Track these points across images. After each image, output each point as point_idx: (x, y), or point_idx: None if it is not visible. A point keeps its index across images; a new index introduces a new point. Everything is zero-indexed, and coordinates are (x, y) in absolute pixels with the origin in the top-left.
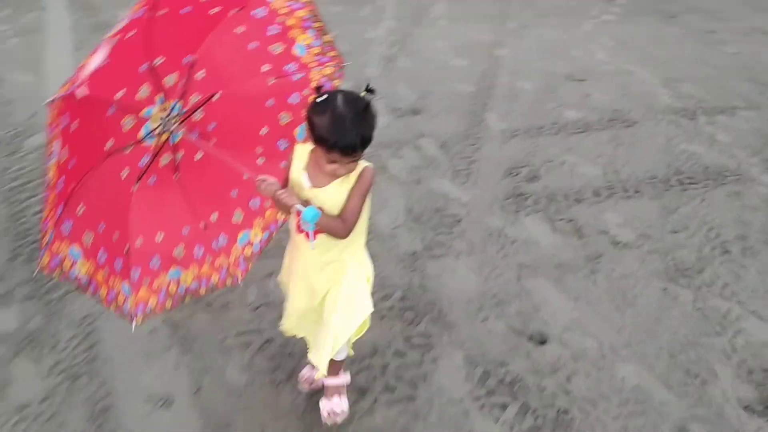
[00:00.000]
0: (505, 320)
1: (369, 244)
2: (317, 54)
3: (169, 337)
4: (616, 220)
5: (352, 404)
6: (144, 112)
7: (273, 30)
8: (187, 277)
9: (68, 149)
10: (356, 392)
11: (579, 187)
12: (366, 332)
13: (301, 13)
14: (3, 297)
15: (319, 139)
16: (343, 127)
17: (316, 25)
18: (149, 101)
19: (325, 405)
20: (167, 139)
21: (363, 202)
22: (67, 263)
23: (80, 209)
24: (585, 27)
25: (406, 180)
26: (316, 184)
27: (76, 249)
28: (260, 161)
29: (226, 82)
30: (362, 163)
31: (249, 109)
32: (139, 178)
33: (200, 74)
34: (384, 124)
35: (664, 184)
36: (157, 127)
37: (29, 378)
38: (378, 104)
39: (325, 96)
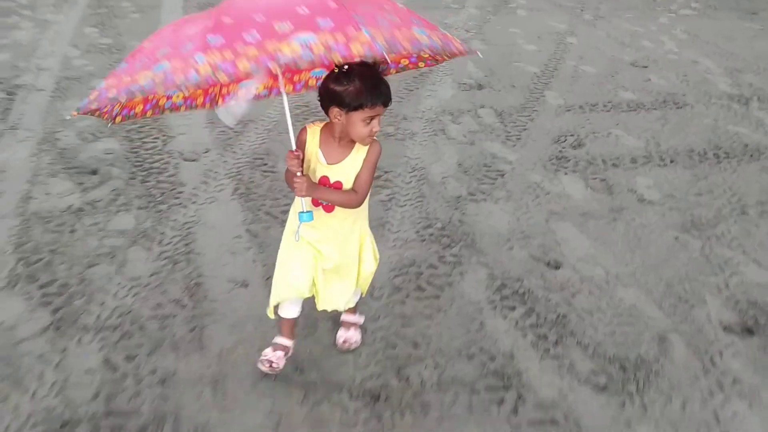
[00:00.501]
0: (528, 250)
1: (420, 187)
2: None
3: (249, 242)
4: (647, 182)
5: (387, 296)
6: None
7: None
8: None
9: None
10: (392, 288)
11: (619, 155)
12: (407, 251)
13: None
14: (124, 206)
15: (356, 103)
16: (377, 82)
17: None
18: None
19: (342, 334)
20: None
21: (373, 174)
22: (162, 101)
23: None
24: (661, 20)
25: (461, 141)
26: (331, 161)
27: (163, 63)
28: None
29: None
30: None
31: None
32: None
33: None
34: (449, 96)
35: (701, 156)
36: None
37: (141, 260)
38: (446, 79)
39: (345, 67)
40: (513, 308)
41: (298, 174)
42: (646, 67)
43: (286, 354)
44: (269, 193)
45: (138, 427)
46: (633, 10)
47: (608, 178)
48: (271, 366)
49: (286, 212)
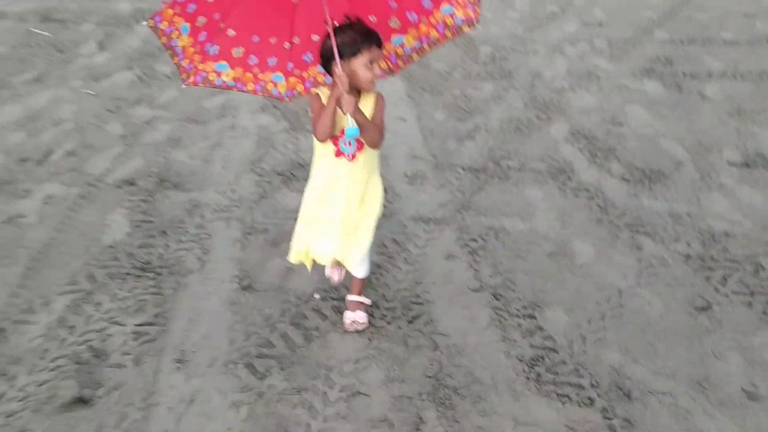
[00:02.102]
0: (602, 116)
1: (534, 82)
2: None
3: None
4: (713, 89)
5: (473, 180)
6: None
7: None
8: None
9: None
10: (471, 173)
11: (699, 71)
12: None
13: None
14: None
15: (355, 48)
16: (365, 29)
17: None
18: None
19: (349, 316)
20: None
21: (383, 121)
22: (212, 76)
23: (230, 32)
24: None
25: (573, 57)
26: (345, 112)
27: (222, 63)
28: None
29: None
30: (375, 91)
31: None
32: None
33: None
34: (573, 30)
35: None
36: None
37: None
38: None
39: (335, 23)
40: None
41: (346, 95)
42: (754, 16)
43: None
44: None
45: None
46: None
47: (683, 84)
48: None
49: None
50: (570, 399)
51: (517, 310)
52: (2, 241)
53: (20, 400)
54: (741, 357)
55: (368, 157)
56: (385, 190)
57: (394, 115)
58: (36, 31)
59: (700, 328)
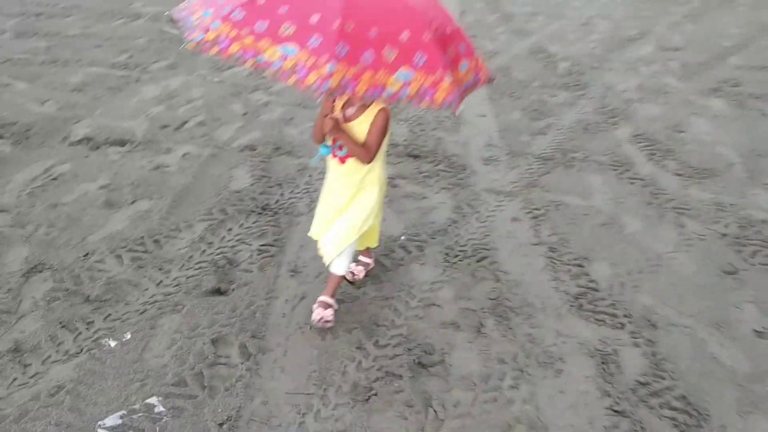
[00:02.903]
0: (659, 108)
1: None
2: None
3: None
4: None
5: (541, 165)
6: None
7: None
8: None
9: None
10: (540, 160)
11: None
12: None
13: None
14: None
15: None
16: None
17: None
18: None
19: (319, 313)
20: None
21: (382, 136)
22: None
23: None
24: None
25: (645, 74)
26: (347, 118)
27: (290, 46)
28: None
29: None
30: (380, 105)
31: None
32: None
33: None
34: (649, 52)
35: None
36: None
37: None
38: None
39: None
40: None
41: (330, 115)
42: None
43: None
44: None
45: None
46: None
47: (747, 103)
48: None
49: None
50: (605, 322)
51: (569, 261)
52: (152, 181)
53: (174, 286)
54: (757, 308)
55: (359, 163)
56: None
57: (476, 112)
58: (167, 30)
59: (725, 286)
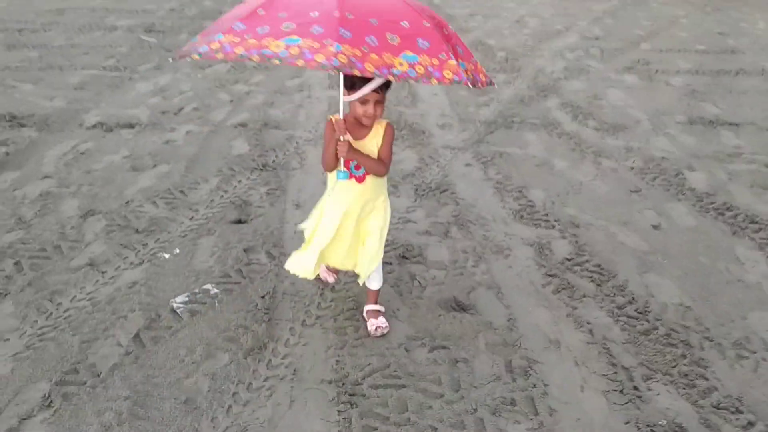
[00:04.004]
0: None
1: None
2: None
3: None
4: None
5: (487, 128)
6: None
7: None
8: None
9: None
10: (485, 125)
11: (673, 69)
12: None
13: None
14: None
15: (349, 83)
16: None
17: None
18: None
19: (373, 323)
20: None
21: (392, 150)
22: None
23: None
24: None
25: (570, 59)
26: (356, 138)
27: (294, 37)
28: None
29: None
30: (385, 121)
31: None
32: None
33: None
34: (573, 42)
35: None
36: None
37: None
38: (574, 34)
39: None
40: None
41: (342, 138)
42: (727, 34)
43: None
44: None
45: None
46: None
47: (654, 77)
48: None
49: None
50: (540, 225)
51: (512, 189)
52: (166, 151)
53: (204, 219)
54: (654, 213)
55: (377, 179)
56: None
57: (429, 92)
58: (145, 38)
59: (631, 200)
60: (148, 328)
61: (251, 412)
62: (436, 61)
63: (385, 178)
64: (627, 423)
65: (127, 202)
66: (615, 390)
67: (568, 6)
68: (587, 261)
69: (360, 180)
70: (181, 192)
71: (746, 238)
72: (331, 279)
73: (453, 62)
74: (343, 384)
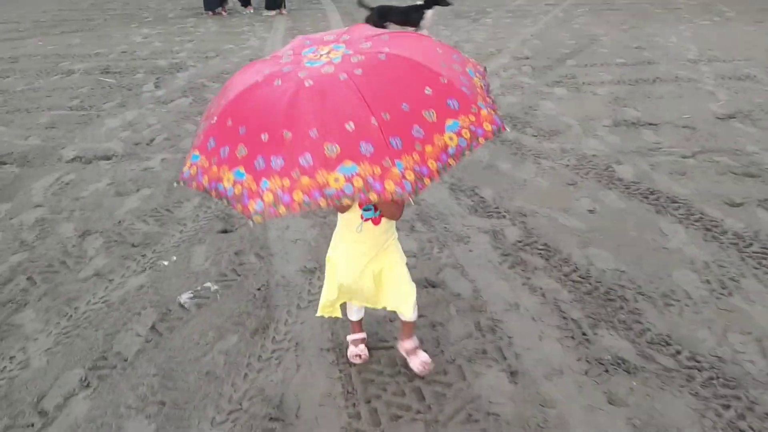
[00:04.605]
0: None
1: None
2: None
3: None
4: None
5: None
6: (304, 51)
7: (457, 58)
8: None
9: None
10: None
11: (599, 80)
12: None
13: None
14: None
15: None
16: None
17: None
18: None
19: (416, 361)
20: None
21: None
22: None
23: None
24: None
25: (505, 78)
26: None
27: (241, 170)
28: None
29: (401, 48)
30: None
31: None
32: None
33: (384, 37)
34: (506, 62)
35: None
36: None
37: None
38: (507, 54)
39: None
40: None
41: None
42: (643, 48)
43: (365, 342)
44: None
45: None
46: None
47: (581, 88)
48: (361, 357)
49: None
50: (492, 216)
51: (465, 189)
52: (146, 177)
53: (193, 231)
54: (589, 200)
55: (389, 220)
56: None
57: None
58: (103, 79)
59: (569, 191)
60: (162, 320)
61: (265, 376)
62: (378, 170)
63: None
64: (578, 360)
65: (119, 221)
66: (567, 336)
67: (498, 31)
68: (535, 242)
69: (376, 222)
70: (167, 210)
71: (668, 215)
72: (359, 360)
73: (397, 172)
74: (340, 350)
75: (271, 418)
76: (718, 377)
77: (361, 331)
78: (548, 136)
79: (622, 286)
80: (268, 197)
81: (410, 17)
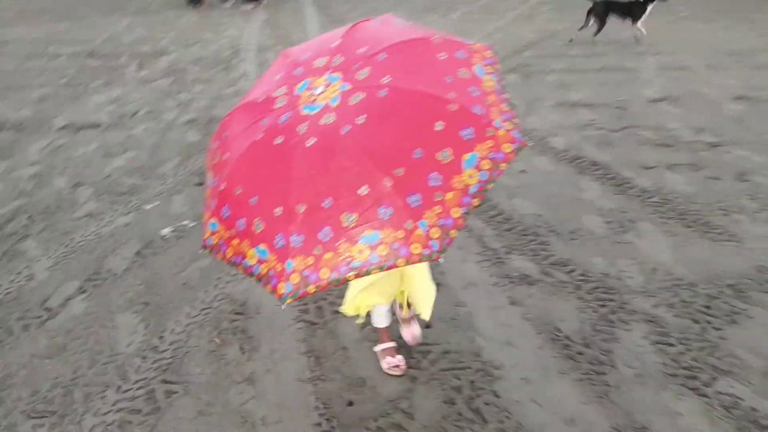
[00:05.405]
0: None
1: None
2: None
3: None
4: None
5: None
6: (298, 87)
7: (462, 55)
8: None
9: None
10: None
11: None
12: None
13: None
14: None
15: None
16: None
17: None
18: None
19: (408, 331)
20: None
21: None
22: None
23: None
24: None
25: None
26: None
27: (262, 247)
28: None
29: (402, 73)
30: None
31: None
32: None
33: (381, 56)
34: None
35: None
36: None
37: None
38: None
39: None
40: None
41: None
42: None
43: (397, 350)
44: None
45: None
46: None
47: (533, 76)
48: (400, 367)
49: None
50: None
51: None
52: (130, 142)
53: (173, 184)
54: (523, 163)
55: None
56: None
57: None
58: (90, 62)
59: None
60: (146, 248)
61: (233, 286)
62: (401, 234)
63: None
64: (491, 276)
65: (107, 176)
66: (485, 260)
67: (465, 27)
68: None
69: None
70: (150, 168)
71: (588, 175)
72: (398, 371)
73: (421, 232)
74: None
75: (236, 313)
76: (601, 287)
77: (390, 339)
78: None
79: (537, 226)
80: (295, 279)
81: (633, 11)
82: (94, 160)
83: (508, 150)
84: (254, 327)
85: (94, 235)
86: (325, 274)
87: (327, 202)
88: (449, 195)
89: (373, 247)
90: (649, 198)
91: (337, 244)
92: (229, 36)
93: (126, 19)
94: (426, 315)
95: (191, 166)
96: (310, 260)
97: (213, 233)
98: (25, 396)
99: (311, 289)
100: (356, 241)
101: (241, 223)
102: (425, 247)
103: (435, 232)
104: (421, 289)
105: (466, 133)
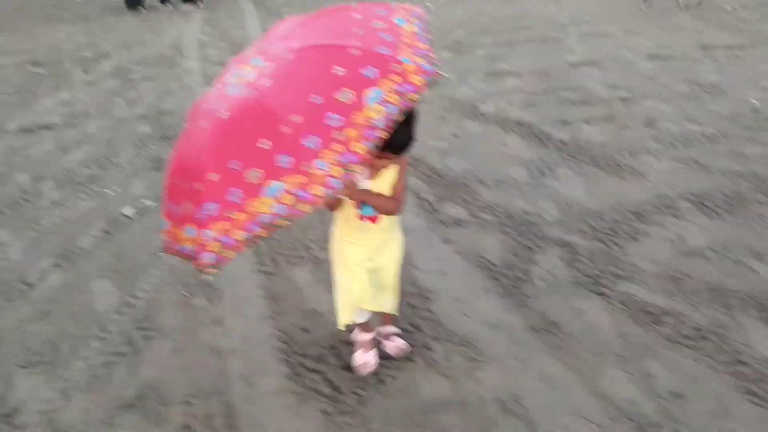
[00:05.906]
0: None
1: None
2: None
3: None
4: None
5: None
6: (229, 77)
7: (381, 12)
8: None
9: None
10: None
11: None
12: None
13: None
14: None
15: None
16: (394, 130)
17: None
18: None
19: (392, 345)
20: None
21: (406, 184)
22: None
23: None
24: None
25: None
26: (370, 176)
27: (189, 226)
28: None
29: (312, 39)
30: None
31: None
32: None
33: (298, 30)
34: None
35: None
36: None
37: None
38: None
39: None
40: None
41: (358, 187)
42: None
43: (373, 345)
44: None
45: None
46: None
47: (465, 51)
48: (367, 366)
49: None
50: None
51: None
52: (86, 138)
53: (131, 170)
54: (455, 128)
55: (390, 218)
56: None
57: None
58: (35, 70)
59: (439, 123)
60: (112, 226)
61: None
62: (303, 179)
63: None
64: (426, 222)
65: (67, 169)
66: (421, 210)
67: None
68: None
69: (374, 220)
70: (107, 159)
71: (513, 133)
72: (368, 368)
73: (320, 173)
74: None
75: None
76: (522, 224)
77: (370, 330)
78: (429, 85)
79: (467, 177)
80: (215, 246)
81: None
82: (52, 156)
83: (419, 81)
84: (218, 280)
85: (62, 219)
86: (238, 235)
87: (234, 164)
88: (350, 131)
89: (278, 198)
90: (567, 147)
91: (246, 203)
92: (170, 35)
93: (65, 26)
94: (394, 312)
95: (145, 154)
96: (227, 225)
97: (164, 232)
98: (19, 352)
99: (230, 253)
100: (262, 196)
101: (178, 210)
102: (326, 186)
103: (336, 170)
104: (385, 293)
105: (369, 72)
